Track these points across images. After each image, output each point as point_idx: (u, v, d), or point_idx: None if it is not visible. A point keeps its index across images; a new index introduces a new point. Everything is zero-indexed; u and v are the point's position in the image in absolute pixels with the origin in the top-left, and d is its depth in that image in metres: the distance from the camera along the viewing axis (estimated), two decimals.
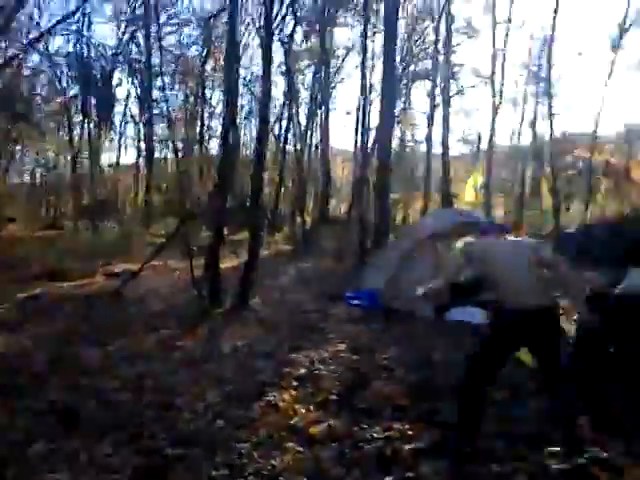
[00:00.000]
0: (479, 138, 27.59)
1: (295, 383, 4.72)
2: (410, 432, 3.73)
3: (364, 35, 14.83)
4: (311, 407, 4.20)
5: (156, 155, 29.00)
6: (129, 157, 35.60)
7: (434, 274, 6.72)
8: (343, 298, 8.17)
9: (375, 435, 3.70)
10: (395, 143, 31.37)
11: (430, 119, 24.93)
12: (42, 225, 26.79)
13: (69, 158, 27.67)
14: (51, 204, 33.80)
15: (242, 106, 26.35)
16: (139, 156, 31.38)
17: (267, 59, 8.27)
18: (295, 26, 22.52)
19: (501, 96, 23.54)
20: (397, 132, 31.78)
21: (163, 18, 24.96)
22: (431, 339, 6.11)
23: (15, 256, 13.58)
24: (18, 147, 29.57)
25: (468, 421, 3.38)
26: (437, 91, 24.28)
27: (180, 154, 28.29)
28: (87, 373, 5.00)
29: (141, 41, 25.16)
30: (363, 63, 15.14)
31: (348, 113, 26.77)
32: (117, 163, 32.45)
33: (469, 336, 5.96)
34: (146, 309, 7.75)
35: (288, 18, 21.94)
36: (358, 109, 15.70)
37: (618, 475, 3.09)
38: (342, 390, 4.55)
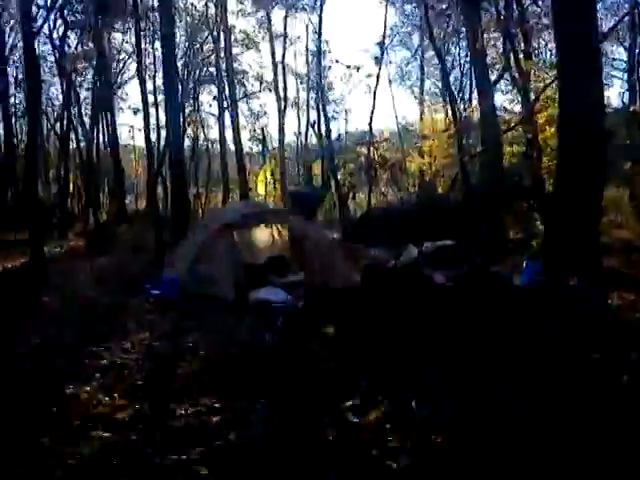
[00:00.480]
0: (263, 138, 28.90)
1: (97, 374, 4.64)
2: (216, 405, 3.95)
3: (137, 42, 15.13)
4: (115, 395, 4.19)
5: None
6: None
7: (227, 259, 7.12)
8: (143, 290, 8.07)
9: (183, 412, 3.86)
10: (189, 142, 31.60)
11: (220, 120, 25.73)
12: None
13: None
14: None
15: (15, 104, 24.26)
16: None
17: (31, 60, 7.79)
18: (66, 30, 22.08)
19: (285, 101, 25.02)
20: (190, 132, 31.99)
21: None
22: (231, 318, 6.39)
23: None
24: None
25: None
26: (226, 94, 25.12)
27: None
28: None
29: None
30: (139, 70, 15.41)
31: (135, 112, 25.99)
32: None
33: (269, 313, 6.42)
34: None
35: (59, 22, 21.65)
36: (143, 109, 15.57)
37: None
38: (147, 375, 4.60)
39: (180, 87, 20.86)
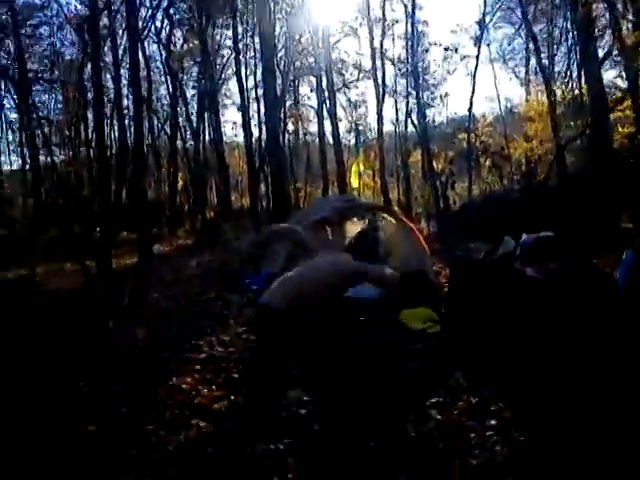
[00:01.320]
0: (356, 128, 28.81)
1: (197, 367, 4.95)
2: (306, 398, 4.10)
3: (234, 37, 15.47)
4: (213, 387, 4.47)
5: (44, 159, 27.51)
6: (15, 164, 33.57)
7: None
8: (242, 285, 8.42)
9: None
10: (289, 136, 32.32)
11: (319, 112, 25.91)
12: None
13: None
14: None
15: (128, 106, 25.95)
16: (24, 162, 29.79)
17: (135, 59, 8.33)
18: (172, 29, 22.99)
19: (384, 88, 24.63)
20: (290, 126, 32.74)
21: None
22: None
23: None
24: None
25: None
26: (324, 86, 25.22)
27: (63, 157, 27.34)
28: None
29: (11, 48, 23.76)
30: (237, 65, 15.85)
31: (239, 109, 26.97)
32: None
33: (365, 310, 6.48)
34: (39, 313, 7.59)
35: (165, 22, 22.63)
36: (242, 105, 16.14)
37: (490, 417, 3.58)
38: (243, 368, 4.85)
39: (279, 80, 21.24)
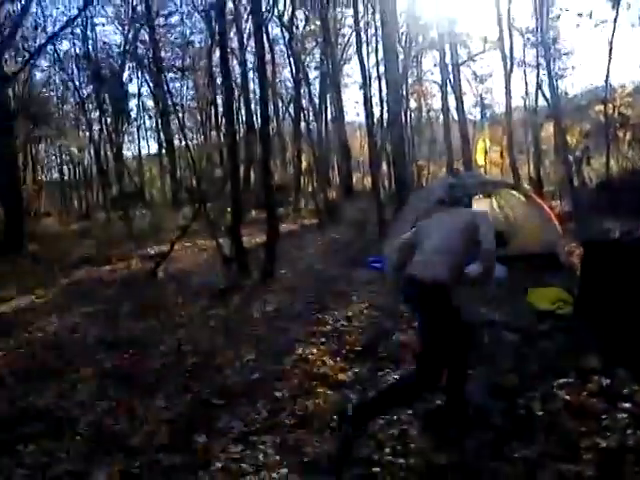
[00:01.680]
0: (482, 105, 27.52)
1: (323, 339, 5.16)
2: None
3: (355, 15, 15.24)
4: (338, 358, 4.63)
5: (178, 143, 29.51)
6: (153, 148, 36.75)
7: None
8: (365, 264, 8.57)
9: (397, 377, 4.12)
10: (412, 114, 31.86)
11: (443, 88, 25.10)
12: (75, 218, 27.74)
13: (92, 153, 28.55)
14: (81, 197, 34.92)
15: (254, 90, 26.90)
16: (160, 146, 32.17)
17: (260, 43, 8.63)
18: (294, 11, 23.40)
19: (512, 60, 23.34)
20: (413, 103, 32.21)
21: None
22: None
23: (54, 248, 14.31)
24: (42, 146, 30.56)
25: None
26: (447, 60, 24.36)
27: (195, 141, 29.08)
28: (133, 343, 5.52)
29: (146, 37, 25.56)
30: (358, 43, 15.75)
31: (362, 87, 27.06)
32: (139, 154, 33.34)
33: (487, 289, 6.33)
34: (181, 285, 8.29)
35: (288, 4, 23.11)
36: (363, 84, 16.10)
37: (623, 400, 3.39)
38: (366, 342, 4.97)
39: (401, 57, 20.88)
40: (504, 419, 3.27)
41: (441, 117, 27.73)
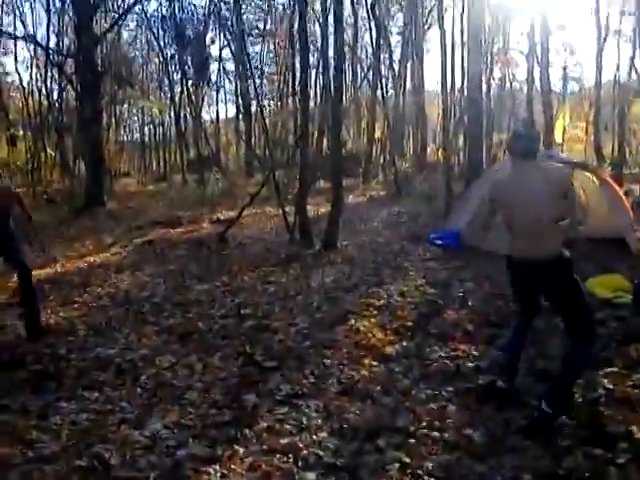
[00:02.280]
0: (565, 79, 26.00)
1: (375, 312, 5.29)
2: (475, 353, 4.20)
3: None
4: (388, 331, 4.76)
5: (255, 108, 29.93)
6: (230, 112, 37.55)
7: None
8: (427, 239, 8.56)
9: (443, 354, 4.21)
10: (495, 84, 30.66)
11: (529, 58, 23.97)
12: (153, 178, 28.95)
13: (172, 115, 29.45)
14: (160, 159, 36.26)
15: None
16: (238, 111, 32.69)
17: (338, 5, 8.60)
18: None
19: (607, 30, 21.92)
20: (497, 72, 30.97)
21: None
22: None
23: (131, 207, 15.11)
24: (125, 106, 31.81)
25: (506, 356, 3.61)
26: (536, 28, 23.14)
27: (273, 107, 29.31)
28: (197, 303, 5.87)
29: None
30: (440, 7, 15.16)
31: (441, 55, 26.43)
32: (217, 118, 34.10)
33: None
34: (246, 251, 8.63)
35: None
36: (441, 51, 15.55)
37: None
38: (417, 318, 5.07)
39: (487, 22, 19.96)
40: (541, 402, 3.30)
41: (525, 89, 26.62)
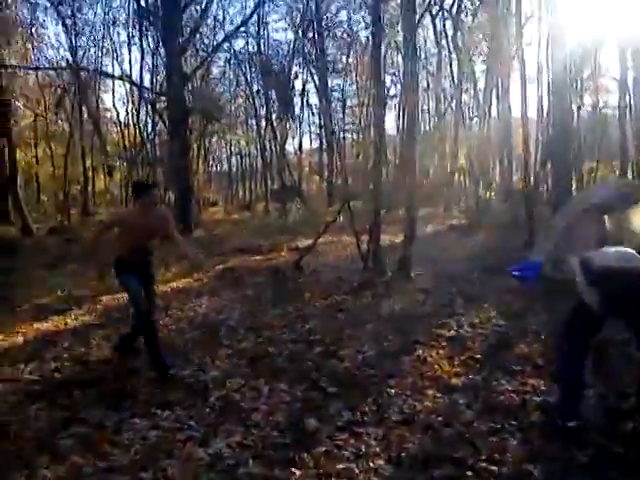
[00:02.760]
0: None
1: (444, 343, 5.23)
2: (542, 387, 4.07)
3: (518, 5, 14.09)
4: (455, 362, 4.70)
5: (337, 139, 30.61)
6: (314, 143, 38.57)
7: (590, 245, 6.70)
8: (505, 270, 8.34)
9: (509, 388, 4.10)
10: (586, 110, 29.63)
11: (621, 83, 23.06)
12: (238, 208, 30.03)
13: (258, 147, 30.62)
14: (245, 189, 37.65)
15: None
16: (321, 143, 33.51)
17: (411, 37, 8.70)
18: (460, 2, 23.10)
19: None
20: (587, 99, 29.95)
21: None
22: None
23: (215, 234, 15.73)
24: (214, 139, 33.41)
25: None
26: (628, 54, 22.31)
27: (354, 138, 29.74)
28: (269, 328, 6.04)
29: (313, 34, 26.71)
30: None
31: (531, 82, 26.02)
32: (300, 149, 35.06)
33: None
34: (320, 278, 8.79)
35: None
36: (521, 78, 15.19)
37: None
38: (486, 350, 4.97)
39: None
40: (609, 441, 3.16)
41: (617, 115, 25.53)
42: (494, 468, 3.03)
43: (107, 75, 26.18)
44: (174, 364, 4.90)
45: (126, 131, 29.85)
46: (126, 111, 33.67)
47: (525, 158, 12.35)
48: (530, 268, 7.96)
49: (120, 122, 31.02)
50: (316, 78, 30.01)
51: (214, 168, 39.99)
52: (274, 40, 30.53)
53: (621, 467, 2.91)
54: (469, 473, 2.99)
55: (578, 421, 3.29)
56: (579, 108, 29.88)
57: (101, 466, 3.21)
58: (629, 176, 22.04)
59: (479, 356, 4.84)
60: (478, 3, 25.74)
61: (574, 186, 20.82)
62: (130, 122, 29.56)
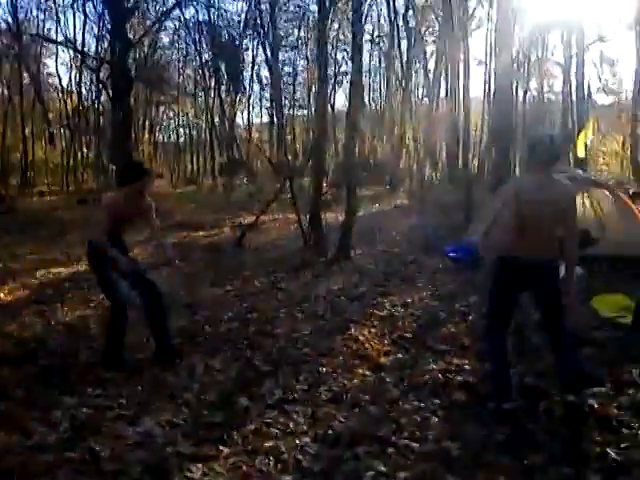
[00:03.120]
0: (589, 92, 25.62)
1: (376, 322, 5.39)
2: (467, 367, 4.26)
3: None
4: (385, 342, 4.86)
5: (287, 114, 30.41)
6: (264, 117, 38.02)
7: None
8: (442, 251, 8.59)
9: (435, 367, 4.28)
10: (532, 94, 30.49)
11: (565, 69, 23.80)
12: (184, 180, 29.49)
13: (206, 118, 30.05)
14: (193, 162, 36.92)
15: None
16: (271, 117, 33.14)
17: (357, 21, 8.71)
18: None
19: None
20: (533, 83, 30.78)
21: None
22: None
23: (159, 208, 15.42)
24: (162, 109, 32.58)
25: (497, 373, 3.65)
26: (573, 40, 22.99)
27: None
28: (207, 307, 6.06)
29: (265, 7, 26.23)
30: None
31: (479, 63, 26.51)
32: (249, 123, 34.58)
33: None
34: (260, 256, 8.82)
35: None
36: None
37: None
38: (416, 330, 5.15)
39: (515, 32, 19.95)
40: (526, 419, 3.36)
41: (561, 100, 26.36)
42: (415, 445, 3.17)
43: (49, 40, 25.02)
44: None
45: (68, 99, 28.71)
46: (69, 77, 32.46)
47: (464, 140, 12.63)
48: (465, 249, 8.23)
49: (63, 88, 29.80)
50: (268, 51, 29.62)
51: (161, 139, 39.00)
52: (225, 11, 29.85)
53: (533, 445, 3.10)
54: (391, 450, 3.13)
55: (512, 402, 3.45)
56: (525, 92, 30.71)
57: (27, 444, 3.18)
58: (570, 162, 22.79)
59: (409, 335, 5.01)
60: None
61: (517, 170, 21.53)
62: (73, 89, 28.46)
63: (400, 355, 4.57)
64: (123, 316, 4.48)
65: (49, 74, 31.31)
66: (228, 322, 5.55)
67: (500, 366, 3.61)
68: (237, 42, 28.42)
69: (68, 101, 28.49)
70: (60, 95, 29.80)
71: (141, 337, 5.03)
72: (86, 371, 4.30)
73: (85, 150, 27.06)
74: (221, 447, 3.18)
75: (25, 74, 25.99)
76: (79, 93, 26.99)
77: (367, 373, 4.22)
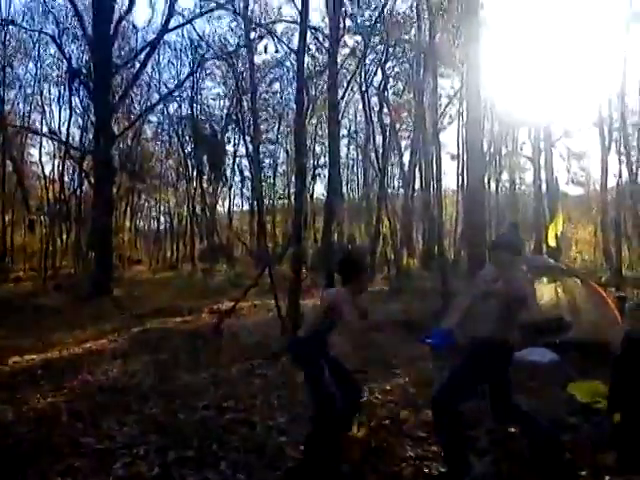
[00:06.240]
0: (557, 185, 26.97)
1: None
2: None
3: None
4: (363, 429, 4.79)
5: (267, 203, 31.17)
6: (244, 205, 38.89)
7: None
8: (418, 338, 8.63)
9: (412, 455, 4.23)
10: (503, 186, 31.88)
11: (534, 163, 25.08)
12: (163, 267, 29.48)
13: (188, 208, 30.59)
14: (173, 248, 37.10)
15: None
16: (251, 206, 33.91)
17: (333, 120, 9.17)
18: (386, 84, 24.65)
19: (610, 137, 22.97)
20: (505, 175, 32.23)
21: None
22: None
23: (137, 295, 15.37)
24: (143, 197, 33.14)
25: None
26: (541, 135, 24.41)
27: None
28: (182, 394, 5.94)
29: (246, 104, 27.48)
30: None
31: (453, 158, 27.88)
32: (229, 211, 35.27)
33: (529, 374, 6.28)
34: (238, 343, 8.74)
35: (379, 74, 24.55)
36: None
37: None
38: (394, 416, 5.10)
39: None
40: None
41: (532, 192, 27.44)
42: None
43: (33, 132, 25.74)
44: None
45: (51, 187, 29.13)
46: (52, 165, 33.09)
47: (438, 230, 13.02)
48: (439, 336, 8.28)
49: (45, 176, 30.28)
50: (249, 145, 30.70)
51: (143, 225, 39.39)
52: (208, 106, 31.05)
53: None
54: None
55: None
56: (497, 184, 32.05)
57: None
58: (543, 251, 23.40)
59: (387, 422, 4.96)
60: (403, 84, 27.64)
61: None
62: (56, 178, 28.93)
63: (376, 444, 4.50)
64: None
65: (32, 162, 31.97)
66: (203, 410, 5.43)
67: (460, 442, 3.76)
68: (219, 135, 29.48)
69: (50, 188, 28.89)
70: (42, 183, 30.26)
71: (111, 424, 4.91)
72: (57, 459, 4.17)
73: (64, 237, 27.15)
74: None
75: (8, 161, 26.45)
76: (62, 182, 27.44)
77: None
